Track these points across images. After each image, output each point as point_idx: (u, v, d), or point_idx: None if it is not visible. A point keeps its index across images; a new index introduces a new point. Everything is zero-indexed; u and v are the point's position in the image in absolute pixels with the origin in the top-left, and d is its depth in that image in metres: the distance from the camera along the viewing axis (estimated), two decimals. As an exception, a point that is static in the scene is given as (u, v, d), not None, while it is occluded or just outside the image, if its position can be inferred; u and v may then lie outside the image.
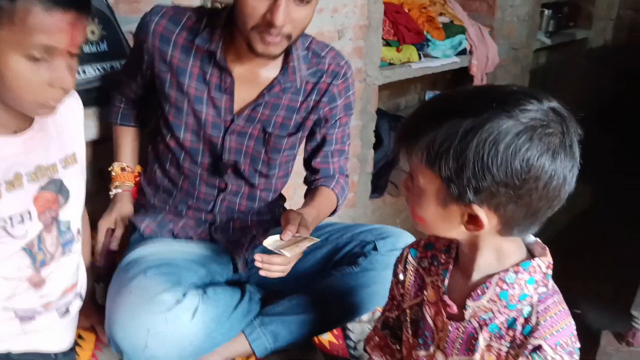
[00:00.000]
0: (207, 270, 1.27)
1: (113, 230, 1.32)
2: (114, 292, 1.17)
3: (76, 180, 1.01)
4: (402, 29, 2.60)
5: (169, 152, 1.27)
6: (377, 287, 1.25)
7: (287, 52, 1.19)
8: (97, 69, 1.46)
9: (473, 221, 0.76)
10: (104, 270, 1.28)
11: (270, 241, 1.10)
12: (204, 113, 1.21)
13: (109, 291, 1.18)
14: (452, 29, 2.89)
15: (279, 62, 1.21)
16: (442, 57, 2.83)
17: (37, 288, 0.97)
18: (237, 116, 1.22)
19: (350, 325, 1.39)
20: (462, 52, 2.95)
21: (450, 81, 3.39)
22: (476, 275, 0.83)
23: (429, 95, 3.25)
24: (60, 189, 0.97)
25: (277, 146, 1.27)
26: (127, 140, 1.39)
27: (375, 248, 1.28)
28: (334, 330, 1.37)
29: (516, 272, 0.80)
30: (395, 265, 0.99)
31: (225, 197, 1.30)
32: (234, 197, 1.31)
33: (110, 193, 1.37)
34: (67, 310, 1.04)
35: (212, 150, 1.25)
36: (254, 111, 1.22)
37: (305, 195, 1.37)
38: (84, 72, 1.42)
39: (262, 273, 1.10)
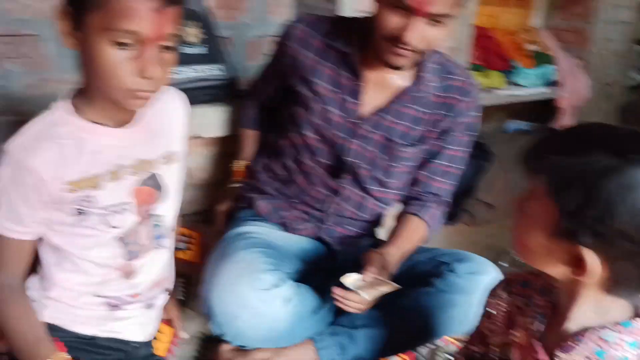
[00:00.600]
0: (303, 265, 1.29)
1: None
2: (219, 256, 1.19)
3: (174, 178, 1.04)
4: (490, 54, 2.54)
5: (290, 148, 1.31)
6: (452, 311, 1.20)
7: (420, 63, 1.21)
8: (195, 70, 1.50)
9: (578, 265, 0.70)
10: None
11: (349, 279, 1.10)
12: (332, 114, 1.24)
13: (213, 255, 1.21)
14: (541, 59, 2.80)
15: (411, 72, 1.23)
16: (529, 86, 2.74)
17: (127, 278, 0.99)
18: (365, 121, 1.24)
19: (422, 351, 1.34)
20: (550, 84, 2.85)
21: (534, 112, 3.27)
22: (570, 325, 0.76)
23: (510, 124, 3.14)
24: (158, 185, 1.00)
25: (397, 154, 1.27)
26: (253, 142, 1.48)
27: (451, 270, 1.24)
28: (404, 355, 1.31)
29: (617, 332, 0.72)
30: (487, 299, 0.94)
31: (336, 200, 1.31)
32: (344, 202, 1.31)
33: (232, 185, 1.47)
34: (152, 304, 1.06)
35: (334, 151, 1.27)
36: (380, 117, 1.25)
37: (397, 219, 1.34)
38: (179, 72, 1.47)
39: (337, 304, 1.12)
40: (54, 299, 0.96)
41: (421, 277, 1.25)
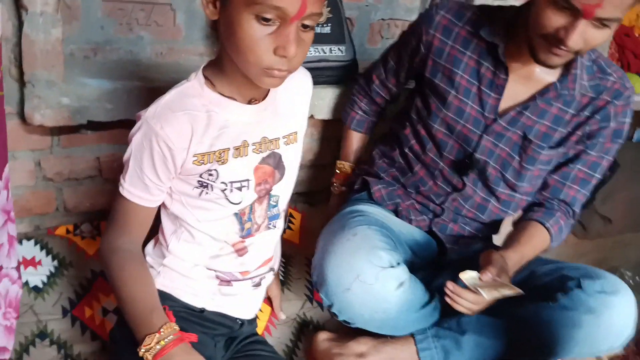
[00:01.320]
0: (413, 256, 1.25)
1: None
2: (336, 228, 1.17)
3: (293, 159, 1.03)
4: (628, 55, 2.31)
5: (414, 138, 1.27)
6: (576, 331, 1.09)
7: (572, 59, 1.11)
8: (317, 50, 1.48)
9: None
10: None
11: (468, 276, 1.04)
12: (468, 107, 1.18)
13: (329, 226, 1.20)
14: (687, 63, 2.50)
15: (559, 67, 1.13)
16: (668, 92, 2.46)
17: (239, 255, 1.00)
18: (501, 116, 1.17)
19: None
20: (694, 91, 2.54)
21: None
22: None
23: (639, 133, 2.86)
24: (278, 165, 0.99)
25: (534, 156, 1.18)
26: (357, 144, 1.46)
27: (579, 286, 1.12)
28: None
29: None
30: None
31: (457, 197, 1.25)
32: (465, 200, 1.25)
33: (334, 187, 1.46)
34: (260, 283, 1.06)
35: (463, 146, 1.21)
36: (520, 114, 1.17)
37: (516, 225, 1.25)
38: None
39: (447, 300, 1.06)
40: (168, 266, 0.98)
41: (542, 290, 1.15)
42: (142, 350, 0.85)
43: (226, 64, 0.88)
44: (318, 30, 1.49)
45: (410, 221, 1.29)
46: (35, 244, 1.28)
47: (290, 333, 1.28)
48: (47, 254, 1.27)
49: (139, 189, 0.91)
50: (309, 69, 1.46)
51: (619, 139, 1.19)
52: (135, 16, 1.50)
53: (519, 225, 1.23)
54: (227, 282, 1.01)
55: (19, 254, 1.19)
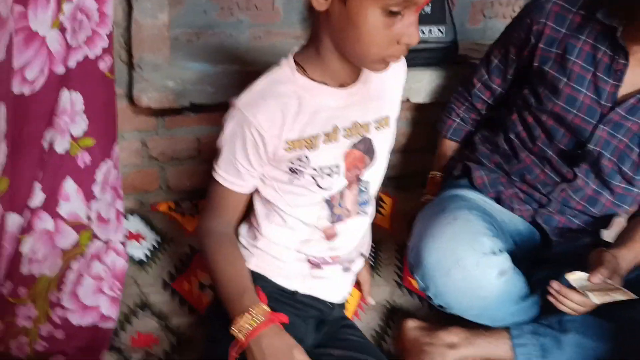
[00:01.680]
0: (515, 247, 1.20)
1: None
2: (436, 210, 1.15)
3: (384, 144, 1.01)
4: None
5: (521, 124, 1.21)
6: None
7: None
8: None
9: None
10: None
11: (576, 277, 0.97)
12: (582, 95, 1.11)
13: (427, 208, 1.19)
14: None
15: None
16: None
17: (329, 240, 0.99)
18: (619, 104, 1.09)
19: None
20: None
21: None
22: None
23: None
24: (368, 150, 0.97)
25: None
26: (450, 154, 1.40)
27: None
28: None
29: None
30: None
31: (566, 188, 1.18)
32: (575, 191, 1.18)
33: (423, 197, 1.39)
34: (349, 267, 1.05)
35: (575, 136, 1.14)
36: None
37: (630, 221, 1.17)
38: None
39: (550, 299, 1.01)
40: (261, 249, 1.00)
41: None
42: (234, 330, 0.87)
43: (323, 50, 0.87)
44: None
45: (512, 210, 1.22)
46: (141, 219, 1.36)
47: (378, 318, 1.27)
48: (151, 229, 1.34)
49: (232, 175, 0.93)
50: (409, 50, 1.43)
51: None
52: (236, 0, 1.53)
53: (635, 222, 1.13)
54: (318, 266, 1.01)
55: (125, 228, 1.27)
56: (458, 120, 1.37)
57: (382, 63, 0.85)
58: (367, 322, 1.25)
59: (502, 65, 1.26)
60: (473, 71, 1.34)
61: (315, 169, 0.92)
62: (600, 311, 1.05)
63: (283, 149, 0.90)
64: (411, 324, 1.19)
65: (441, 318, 1.20)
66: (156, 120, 1.39)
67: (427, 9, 1.45)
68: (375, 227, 1.46)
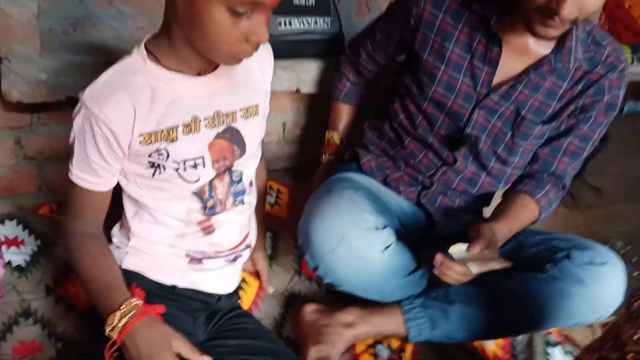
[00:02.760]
0: (400, 227, 1.24)
1: None
2: (322, 192, 1.16)
3: (255, 132, 0.99)
4: (619, 27, 2.29)
5: (403, 113, 1.25)
6: (564, 302, 1.10)
7: (567, 31, 1.08)
8: (302, 22, 1.46)
9: None
10: None
11: (456, 249, 1.03)
12: (459, 82, 1.16)
13: (315, 192, 1.19)
14: (678, 34, 2.48)
15: (554, 39, 1.11)
16: (659, 64, 2.45)
17: (207, 233, 0.97)
18: (494, 91, 1.15)
19: (518, 339, 1.25)
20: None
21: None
22: None
23: (630, 105, 2.85)
24: (237, 139, 0.95)
25: (527, 131, 1.17)
26: (346, 116, 1.44)
27: (568, 257, 1.12)
28: (501, 341, 1.23)
29: None
30: (635, 299, 0.84)
31: (447, 171, 1.23)
32: (455, 174, 1.24)
33: (322, 158, 1.45)
34: (234, 259, 1.04)
35: (454, 121, 1.19)
36: (513, 88, 1.14)
37: (504, 196, 1.25)
38: (289, 23, 1.42)
39: (435, 271, 1.05)
40: (135, 247, 0.96)
41: (530, 261, 1.15)
42: (107, 329, 0.82)
43: (174, 40, 0.83)
44: (303, 2, 1.46)
45: (399, 192, 1.28)
46: (18, 223, 1.26)
47: (278, 307, 1.28)
48: (30, 233, 1.25)
49: (88, 174, 0.88)
50: (294, 42, 1.45)
51: (612, 112, 1.17)
52: (115, -10, 1.47)
53: (508, 198, 1.22)
54: (198, 261, 0.98)
55: (0, 234, 1.18)
56: (348, 84, 1.41)
57: (233, 59, 0.83)
58: (265, 311, 1.25)
59: (386, 42, 1.29)
60: (360, 38, 1.36)
61: (177, 162, 0.88)
62: (482, 282, 1.12)
63: (139, 143, 0.85)
64: (309, 308, 1.21)
65: (338, 301, 1.22)
66: (30, 117, 1.29)
67: (312, 1, 1.47)
68: (272, 217, 1.47)
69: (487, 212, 1.36)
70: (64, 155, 1.35)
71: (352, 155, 1.35)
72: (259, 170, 1.10)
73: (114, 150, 0.85)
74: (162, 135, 0.86)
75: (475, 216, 1.32)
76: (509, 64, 1.13)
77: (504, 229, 1.12)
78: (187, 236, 0.96)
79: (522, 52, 1.13)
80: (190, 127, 0.88)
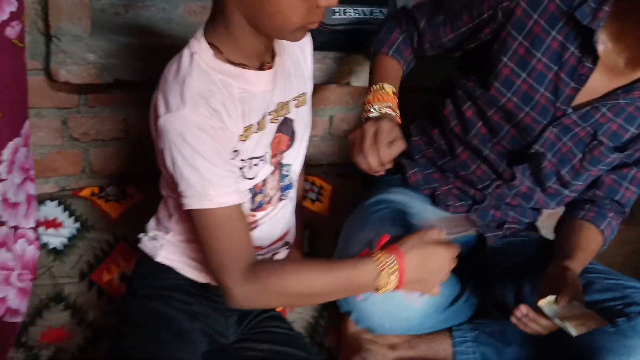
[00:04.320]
0: None
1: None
2: (357, 225, 1.09)
3: (304, 122, 0.94)
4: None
5: (455, 119, 1.12)
6: None
7: None
8: (357, 11, 1.39)
9: None
10: None
11: (546, 302, 0.91)
12: (539, 94, 1.02)
13: (350, 219, 1.12)
14: None
15: None
16: None
17: (250, 230, 0.91)
18: (574, 109, 1.02)
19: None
20: None
21: None
22: None
23: None
24: (290, 130, 0.90)
25: (599, 157, 1.05)
26: (394, 71, 1.09)
27: None
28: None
29: None
30: None
31: (502, 185, 1.12)
32: (509, 189, 1.13)
33: (372, 112, 0.98)
34: (272, 257, 0.99)
35: (520, 135, 1.06)
36: (596, 110, 1.01)
37: (567, 225, 1.12)
38: (345, 12, 1.36)
39: (512, 320, 0.94)
40: (170, 242, 0.92)
41: (600, 309, 1.01)
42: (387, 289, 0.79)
43: (233, 28, 0.77)
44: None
45: (447, 207, 1.17)
46: (59, 204, 1.26)
47: (312, 309, 1.23)
48: (70, 215, 1.25)
49: (225, 185, 0.78)
50: (348, 32, 1.38)
51: None
52: (169, -27, 1.44)
53: (574, 228, 1.10)
54: None
55: (40, 214, 1.17)
56: (401, 37, 1.12)
57: (302, 31, 0.78)
58: (300, 313, 1.21)
59: (457, 26, 1.08)
60: (430, 5, 1.11)
61: (244, 160, 0.83)
62: None
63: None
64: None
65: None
66: (78, 98, 1.28)
67: (367, -10, 1.40)
68: (314, 215, 1.42)
69: (539, 225, 1.27)
70: (109, 138, 1.35)
71: (395, 167, 1.20)
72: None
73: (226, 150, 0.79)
74: (240, 137, 0.81)
75: (530, 230, 1.22)
76: (597, 82, 1.00)
77: (579, 267, 1.01)
78: None
79: (615, 71, 0.99)
80: (261, 124, 0.84)
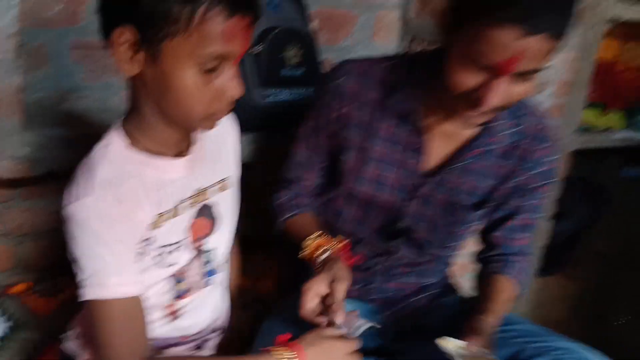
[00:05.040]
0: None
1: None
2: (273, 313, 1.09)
3: (227, 206, 0.95)
4: (611, 92, 2.30)
5: (331, 208, 1.16)
6: None
7: None
8: (290, 93, 1.44)
9: None
10: None
11: (451, 345, 0.93)
12: (389, 176, 1.08)
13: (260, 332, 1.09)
14: (671, 99, 2.50)
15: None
16: (653, 128, 2.45)
17: (173, 319, 0.91)
18: (427, 179, 1.07)
19: None
20: (679, 127, 2.53)
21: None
22: None
23: (628, 170, 2.83)
24: (212, 215, 0.91)
25: (463, 218, 1.11)
26: (309, 220, 1.16)
27: None
28: None
29: None
30: None
31: (387, 260, 1.16)
32: (396, 261, 1.17)
33: (319, 259, 1.04)
34: (202, 346, 0.97)
35: (386, 214, 1.11)
36: (446, 174, 1.07)
37: (481, 282, 1.17)
38: (277, 95, 1.41)
39: None
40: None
41: None
42: None
43: (148, 117, 0.79)
44: (291, 73, 1.45)
45: None
46: (-10, 303, 1.20)
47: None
48: (2, 314, 1.18)
49: (124, 276, 0.77)
50: (282, 113, 1.43)
51: (552, 178, 1.12)
52: (105, 62, 1.46)
53: (484, 283, 1.14)
54: (162, 349, 0.91)
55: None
56: (288, 196, 1.18)
57: (209, 121, 0.79)
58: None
59: (319, 148, 1.14)
60: (286, 169, 1.20)
61: (161, 247, 0.83)
62: None
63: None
64: None
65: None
66: (9, 192, 1.26)
67: (300, 72, 1.46)
68: (257, 294, 1.40)
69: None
70: (44, 230, 1.32)
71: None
72: (233, 247, 1.06)
73: (130, 240, 0.80)
74: (152, 225, 0.81)
75: (447, 296, 1.24)
76: (439, 150, 1.07)
77: (494, 321, 1.03)
78: (152, 323, 0.89)
79: (450, 137, 1.06)
80: (177, 211, 0.84)
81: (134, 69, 0.73)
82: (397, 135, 1.06)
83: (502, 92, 0.86)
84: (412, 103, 1.02)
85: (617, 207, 2.47)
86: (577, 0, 0.82)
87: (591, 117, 2.28)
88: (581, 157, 2.72)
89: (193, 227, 0.87)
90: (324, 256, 1.04)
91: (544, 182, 1.11)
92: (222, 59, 0.73)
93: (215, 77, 0.74)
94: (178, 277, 0.88)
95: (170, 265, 0.85)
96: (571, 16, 0.82)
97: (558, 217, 2.34)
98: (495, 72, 0.84)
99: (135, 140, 0.81)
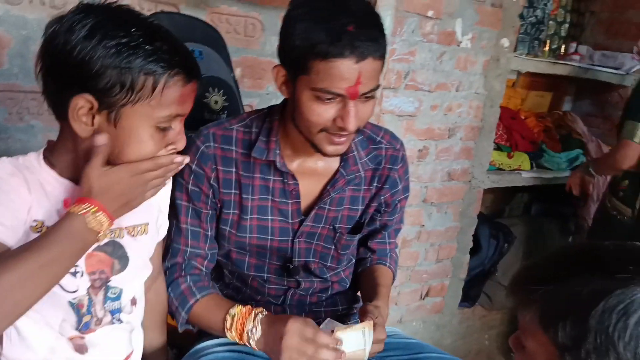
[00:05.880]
0: None
1: None
2: None
3: (141, 250, 0.98)
4: (516, 136, 2.51)
5: (232, 259, 1.22)
6: None
7: None
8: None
9: None
10: None
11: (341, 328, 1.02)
12: (270, 222, 1.16)
13: None
14: (570, 143, 2.75)
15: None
16: (555, 169, 2.68)
17: (80, 353, 0.92)
18: (305, 217, 1.17)
19: None
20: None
21: (561, 195, 3.18)
22: None
23: (534, 207, 3.06)
24: (119, 254, 0.94)
25: (346, 242, 1.24)
26: (217, 301, 1.13)
27: None
28: None
29: None
30: None
31: (296, 292, 1.25)
32: (304, 292, 1.26)
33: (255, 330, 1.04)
34: None
35: (280, 255, 1.20)
36: (321, 209, 1.17)
37: (362, 272, 1.32)
38: (200, 138, 1.47)
39: None
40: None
41: None
42: None
43: (82, 154, 0.84)
44: (214, 117, 1.51)
45: None
46: None
47: None
48: None
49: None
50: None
51: (408, 192, 1.29)
52: (26, 105, 1.47)
53: (367, 273, 1.29)
54: None
55: None
56: (187, 283, 1.14)
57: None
58: None
59: (205, 215, 1.15)
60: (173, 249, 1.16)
61: None
62: None
63: (30, 225, 0.83)
64: None
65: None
66: None
67: (224, 117, 1.53)
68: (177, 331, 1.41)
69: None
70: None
71: None
72: (158, 287, 1.09)
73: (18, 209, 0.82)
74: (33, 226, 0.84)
75: (350, 304, 1.33)
76: (308, 187, 1.16)
77: (384, 300, 1.16)
78: (57, 352, 0.90)
79: (314, 172, 1.16)
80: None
81: (89, 130, 0.80)
82: (268, 184, 1.15)
83: (357, 112, 0.99)
84: (273, 151, 1.11)
85: (524, 241, 2.65)
86: (381, 25, 0.99)
87: (500, 158, 2.48)
88: (493, 196, 2.92)
89: (88, 258, 0.89)
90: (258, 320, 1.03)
91: (402, 197, 1.28)
92: (174, 118, 0.84)
93: (166, 133, 0.84)
94: (82, 308, 0.89)
95: (69, 290, 0.87)
96: (384, 38, 0.98)
97: (472, 252, 2.50)
98: (347, 97, 0.97)
99: (49, 160, 0.87)
